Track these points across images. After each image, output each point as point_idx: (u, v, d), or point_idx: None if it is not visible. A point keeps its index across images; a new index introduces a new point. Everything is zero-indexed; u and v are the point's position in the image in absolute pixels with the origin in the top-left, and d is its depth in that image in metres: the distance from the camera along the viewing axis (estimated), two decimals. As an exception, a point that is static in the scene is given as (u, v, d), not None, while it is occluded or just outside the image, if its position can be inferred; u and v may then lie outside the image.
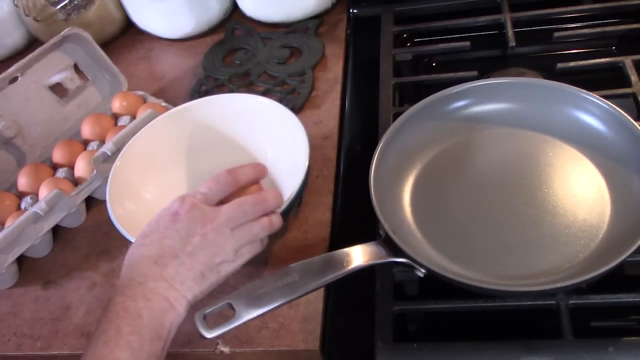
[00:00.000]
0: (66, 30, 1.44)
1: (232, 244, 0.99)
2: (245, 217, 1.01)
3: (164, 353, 0.93)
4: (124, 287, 0.92)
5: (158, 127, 1.27)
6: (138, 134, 1.26)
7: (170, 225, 0.97)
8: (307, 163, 1.10)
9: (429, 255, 1.07)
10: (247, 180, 1.07)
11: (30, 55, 1.42)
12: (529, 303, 1.00)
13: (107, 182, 1.18)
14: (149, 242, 0.96)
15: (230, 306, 0.94)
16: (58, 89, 1.50)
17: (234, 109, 1.26)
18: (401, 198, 1.16)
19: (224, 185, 1.04)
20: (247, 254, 1.02)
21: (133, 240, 1.00)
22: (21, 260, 1.28)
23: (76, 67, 1.52)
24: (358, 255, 1.00)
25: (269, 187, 1.24)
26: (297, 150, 1.14)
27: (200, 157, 1.27)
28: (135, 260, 0.96)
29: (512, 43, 1.42)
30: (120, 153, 1.23)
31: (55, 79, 1.49)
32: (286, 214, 1.07)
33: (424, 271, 1.00)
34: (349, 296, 1.13)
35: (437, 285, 1.04)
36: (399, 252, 1.00)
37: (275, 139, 1.22)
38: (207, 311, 0.94)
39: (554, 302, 0.99)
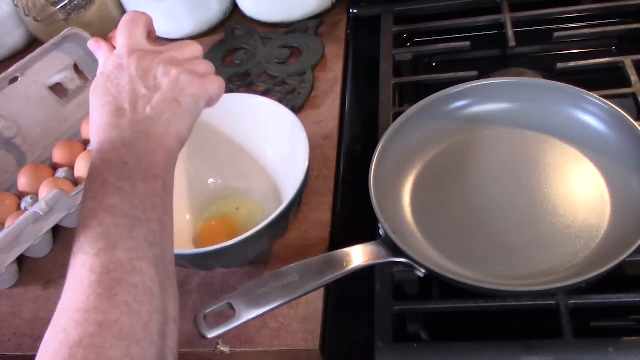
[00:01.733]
0: (66, 30, 1.44)
1: (188, 66, 0.96)
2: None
3: (167, 191, 0.88)
4: (100, 146, 0.86)
5: None
6: None
7: (120, 74, 0.92)
8: (307, 163, 1.10)
9: (429, 255, 1.07)
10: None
11: (30, 56, 1.42)
12: (529, 303, 1.00)
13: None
14: (108, 99, 0.90)
15: (230, 306, 0.94)
16: (58, 89, 1.50)
17: (234, 109, 1.25)
18: (401, 198, 1.16)
19: (143, 23, 0.99)
20: (208, 75, 1.00)
21: None
22: (21, 260, 1.28)
23: (76, 67, 1.52)
24: (358, 255, 1.00)
25: (270, 187, 1.24)
26: (297, 150, 1.14)
27: (200, 156, 1.27)
28: (101, 121, 0.89)
29: (512, 43, 1.42)
30: None
31: (55, 79, 1.49)
32: (286, 214, 1.07)
33: (423, 271, 1.00)
34: (349, 296, 1.13)
35: (437, 285, 1.04)
36: (398, 252, 1.00)
37: (275, 139, 1.22)
38: (207, 311, 0.94)
39: (554, 302, 0.99)
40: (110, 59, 0.95)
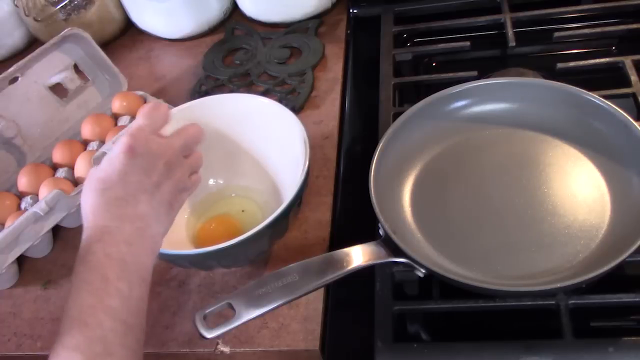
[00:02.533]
0: (66, 30, 1.44)
1: (187, 169, 1.00)
2: (188, 147, 1.02)
3: (147, 296, 0.89)
4: (101, 234, 0.87)
5: None
6: None
7: (128, 161, 0.92)
8: (307, 163, 1.10)
9: (429, 255, 1.07)
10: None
11: (30, 56, 1.42)
12: (529, 303, 1.00)
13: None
14: (110, 184, 0.91)
15: (230, 306, 0.94)
16: (58, 89, 1.50)
17: (234, 109, 1.26)
18: (401, 198, 1.16)
19: (161, 115, 1.00)
20: (197, 181, 1.04)
21: None
22: (21, 260, 1.28)
23: (76, 68, 1.52)
24: (358, 255, 1.00)
25: (270, 188, 1.24)
26: (297, 151, 1.14)
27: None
28: (103, 204, 0.90)
29: (512, 43, 1.42)
30: None
31: (55, 79, 1.49)
32: (286, 214, 1.07)
33: (423, 271, 1.01)
34: (349, 296, 1.13)
35: (437, 285, 1.04)
36: (398, 252, 1.00)
37: (275, 139, 1.22)
38: (207, 311, 0.94)
39: (554, 302, 0.99)
40: (129, 136, 0.94)
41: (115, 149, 0.93)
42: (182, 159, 0.99)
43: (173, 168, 0.97)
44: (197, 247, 1.19)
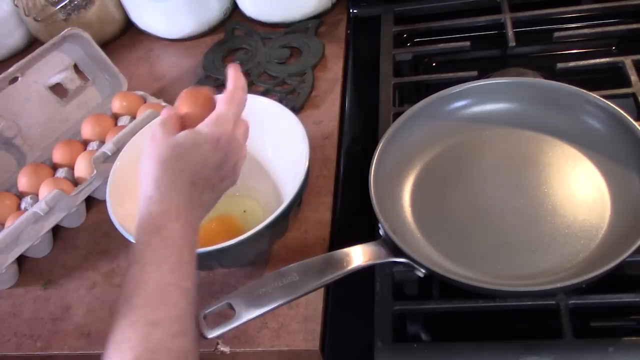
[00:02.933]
0: (66, 30, 1.44)
1: (242, 158, 1.02)
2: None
3: None
4: (177, 213, 0.89)
5: None
6: (138, 133, 1.25)
7: (211, 153, 0.94)
8: (307, 163, 1.11)
9: (429, 255, 1.07)
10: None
11: (30, 56, 1.42)
12: (529, 303, 1.00)
13: (107, 182, 1.18)
14: (189, 166, 0.92)
15: (230, 306, 0.94)
16: (58, 89, 1.50)
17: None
18: (401, 198, 1.16)
19: (241, 105, 1.00)
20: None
21: (133, 240, 0.99)
22: (21, 260, 1.29)
23: (76, 68, 1.52)
24: (358, 255, 1.00)
25: (270, 188, 1.24)
26: (297, 151, 1.14)
27: None
28: (176, 184, 0.91)
29: (512, 43, 1.42)
30: (120, 153, 1.22)
31: (55, 79, 1.49)
32: (286, 214, 1.07)
33: (423, 271, 1.01)
34: (348, 296, 1.13)
35: (437, 285, 1.04)
36: (398, 252, 1.00)
37: (275, 139, 1.22)
38: (207, 311, 0.93)
39: (554, 302, 0.99)
40: (221, 124, 0.95)
41: (202, 131, 0.94)
42: (243, 161, 1.01)
43: (236, 169, 1.00)
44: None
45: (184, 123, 0.98)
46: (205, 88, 1.02)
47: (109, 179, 1.19)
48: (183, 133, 0.94)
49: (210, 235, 1.19)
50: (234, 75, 1.00)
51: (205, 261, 1.09)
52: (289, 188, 1.11)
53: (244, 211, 1.26)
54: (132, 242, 0.95)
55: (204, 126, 0.95)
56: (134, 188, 1.19)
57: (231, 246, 1.03)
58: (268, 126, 1.22)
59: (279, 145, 1.22)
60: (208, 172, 0.94)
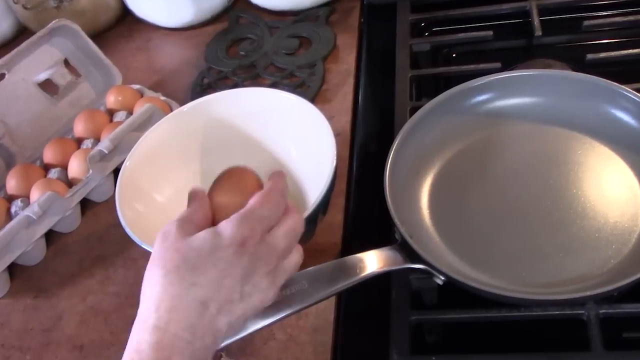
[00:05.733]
0: (54, 22, 1.45)
1: (281, 278, 0.88)
2: (290, 247, 0.90)
3: None
4: (170, 347, 0.78)
5: (170, 124, 1.26)
6: (149, 131, 1.24)
7: (234, 259, 0.82)
8: (334, 162, 1.09)
9: (449, 260, 1.08)
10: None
11: (16, 50, 1.43)
12: (556, 313, 1.00)
13: (103, 183, 1.18)
14: (204, 280, 0.81)
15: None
16: (48, 86, 1.51)
17: (253, 104, 1.25)
18: (419, 199, 1.17)
19: (279, 208, 0.89)
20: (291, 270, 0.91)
21: (143, 245, 0.98)
22: (11, 268, 1.29)
23: (66, 62, 1.53)
24: (372, 261, 1.00)
25: (294, 189, 1.23)
26: (322, 149, 1.12)
27: (216, 156, 1.22)
28: (184, 302, 0.80)
29: (538, 32, 1.42)
30: (130, 152, 1.21)
31: (45, 75, 1.50)
32: (314, 218, 1.07)
33: (443, 278, 1.01)
34: (362, 305, 1.13)
35: (457, 293, 1.04)
36: (416, 257, 1.00)
37: (299, 138, 1.22)
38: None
39: (583, 311, 0.99)
40: (246, 226, 0.84)
41: (223, 232, 0.83)
42: (282, 266, 0.88)
43: (274, 283, 0.87)
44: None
45: (217, 215, 0.89)
46: (249, 170, 0.96)
47: (119, 179, 1.16)
48: (201, 234, 0.83)
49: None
50: (275, 175, 0.92)
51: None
52: (314, 190, 1.09)
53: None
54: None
55: (227, 225, 0.83)
56: (144, 189, 1.19)
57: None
58: (291, 123, 1.21)
59: (304, 144, 1.21)
60: (228, 286, 0.82)
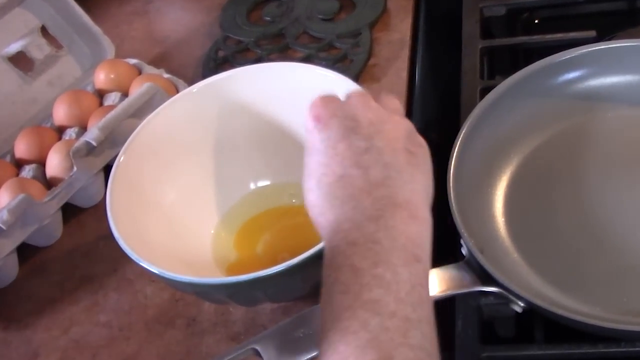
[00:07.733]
0: (28, -22, 1.46)
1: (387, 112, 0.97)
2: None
3: (428, 279, 0.87)
4: (338, 228, 0.86)
5: (176, 109, 1.25)
6: (149, 118, 1.23)
7: (321, 133, 0.93)
8: None
9: (530, 282, 1.08)
10: None
11: (-22, 16, 1.43)
12: (667, 348, 1.00)
13: (91, 183, 1.18)
14: (322, 170, 0.90)
15: (257, 352, 0.94)
16: (21, 61, 1.52)
17: (281, 83, 1.25)
18: (492, 205, 1.17)
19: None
20: None
21: (142, 263, 0.99)
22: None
23: (44, 30, 1.53)
24: (433, 283, 1.00)
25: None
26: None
27: (233, 150, 1.27)
28: (320, 197, 0.89)
29: (646, -9, 1.42)
30: (125, 144, 1.19)
31: (16, 46, 1.50)
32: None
33: (522, 304, 1.01)
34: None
35: (540, 323, 1.05)
36: (488, 278, 1.01)
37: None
38: (227, 358, 0.94)
39: (701, 346, 1.00)
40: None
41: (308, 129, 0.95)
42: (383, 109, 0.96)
43: (381, 121, 0.94)
44: (231, 272, 1.18)
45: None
46: None
47: (110, 179, 1.15)
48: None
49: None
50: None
51: (247, 292, 1.07)
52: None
53: (299, 224, 1.22)
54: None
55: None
56: (144, 191, 1.18)
57: (296, 266, 0.99)
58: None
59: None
60: (341, 151, 0.91)
